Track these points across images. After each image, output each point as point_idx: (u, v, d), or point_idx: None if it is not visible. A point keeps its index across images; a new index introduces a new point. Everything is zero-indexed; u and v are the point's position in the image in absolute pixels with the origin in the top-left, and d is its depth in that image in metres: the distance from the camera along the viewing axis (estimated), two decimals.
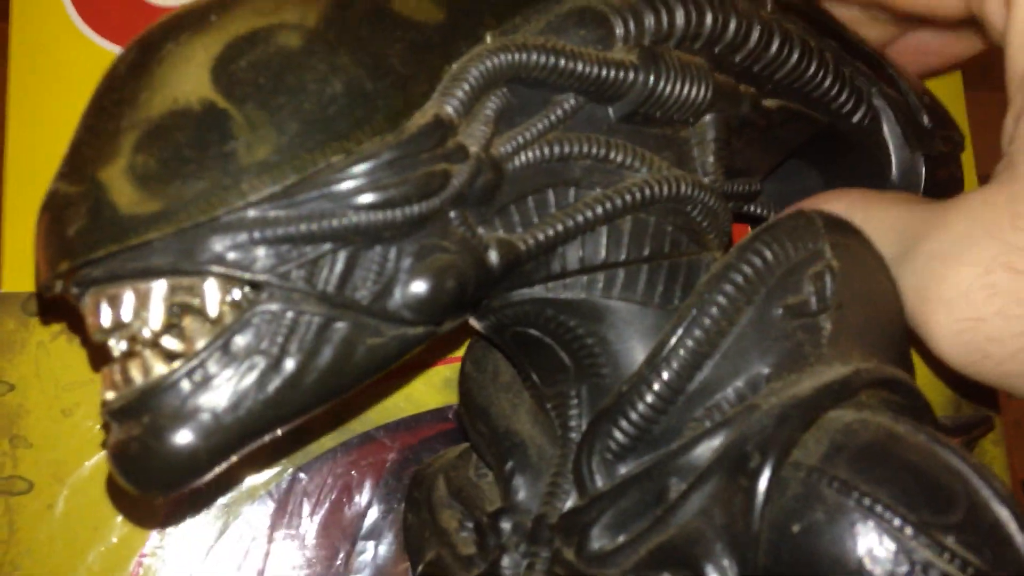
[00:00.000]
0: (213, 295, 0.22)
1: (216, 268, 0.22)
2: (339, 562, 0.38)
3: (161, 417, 0.22)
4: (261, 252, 0.22)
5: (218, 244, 0.22)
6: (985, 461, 0.41)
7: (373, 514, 0.39)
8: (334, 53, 0.23)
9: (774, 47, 0.30)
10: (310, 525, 0.38)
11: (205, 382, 0.22)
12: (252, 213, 0.22)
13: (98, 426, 0.37)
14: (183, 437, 0.22)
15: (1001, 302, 0.26)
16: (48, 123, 0.39)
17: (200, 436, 0.22)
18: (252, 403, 0.23)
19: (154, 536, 0.37)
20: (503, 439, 0.30)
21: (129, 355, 0.23)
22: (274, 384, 0.23)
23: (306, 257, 0.22)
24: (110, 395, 0.23)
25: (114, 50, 0.40)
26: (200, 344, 0.23)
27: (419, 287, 0.24)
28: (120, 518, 0.37)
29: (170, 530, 0.37)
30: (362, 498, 0.39)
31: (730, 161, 0.30)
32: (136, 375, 0.23)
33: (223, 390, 0.22)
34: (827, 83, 0.32)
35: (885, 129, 0.34)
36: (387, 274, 0.23)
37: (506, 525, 0.29)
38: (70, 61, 0.39)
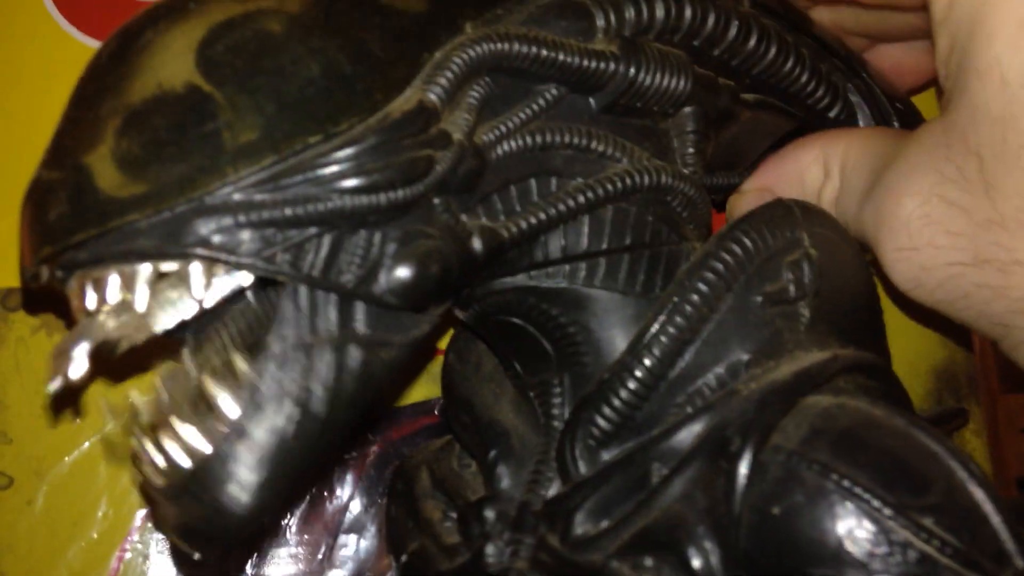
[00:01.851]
0: (198, 278, 0.22)
1: (201, 251, 0.22)
2: (321, 556, 0.38)
3: (218, 492, 0.23)
4: (246, 235, 0.22)
5: (203, 227, 0.22)
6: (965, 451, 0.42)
7: (355, 508, 0.39)
8: (312, 37, 0.23)
9: (752, 42, 0.30)
10: (292, 519, 0.38)
11: (248, 446, 0.23)
12: (237, 196, 0.22)
13: (78, 422, 0.37)
14: (243, 503, 0.23)
15: (932, 232, 0.26)
16: (25, 119, 0.38)
17: (258, 496, 0.23)
18: (295, 451, 0.23)
19: (134, 532, 0.37)
20: (486, 429, 0.30)
21: (159, 430, 0.24)
22: (310, 427, 0.23)
23: (291, 241, 0.23)
24: (155, 477, 0.24)
25: (93, 44, 0.40)
26: (228, 407, 0.23)
27: (403, 272, 0.24)
28: (101, 513, 0.37)
29: (151, 526, 0.37)
30: (344, 492, 0.39)
31: (709, 154, 0.31)
32: (176, 453, 0.23)
33: (266, 450, 0.23)
34: (804, 78, 0.32)
35: (860, 125, 0.34)
36: (372, 258, 0.24)
37: (490, 513, 0.29)
38: (49, 56, 0.39)
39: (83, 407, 0.37)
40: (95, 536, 0.37)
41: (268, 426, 0.23)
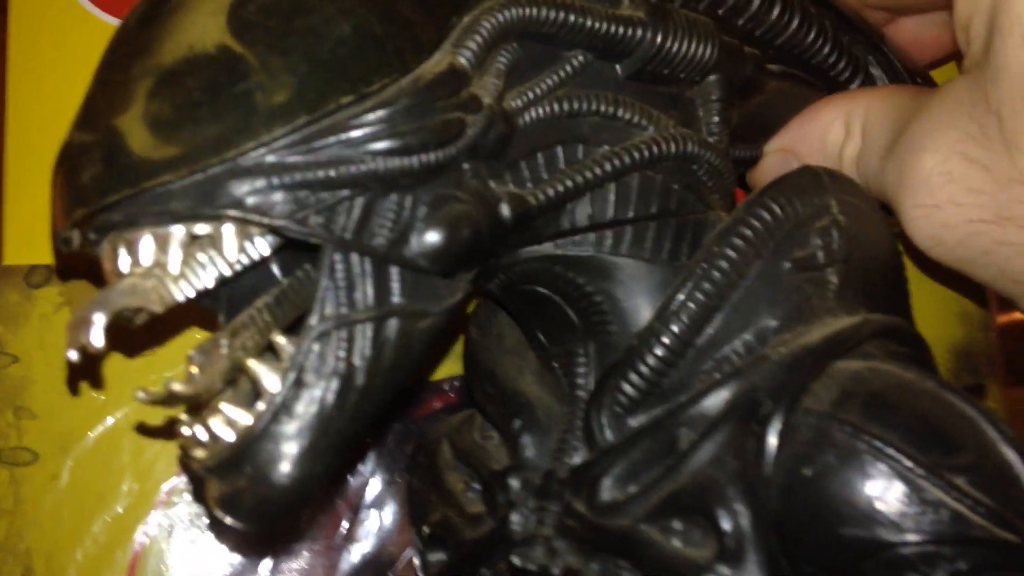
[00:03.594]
0: (231, 240, 0.23)
1: (235, 212, 0.22)
2: (343, 530, 0.38)
3: (263, 464, 0.23)
4: (279, 197, 0.22)
5: (237, 189, 0.22)
6: None
7: (376, 483, 0.39)
8: None
9: (775, 12, 0.30)
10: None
11: (291, 419, 0.23)
12: (270, 158, 0.22)
13: (102, 397, 0.37)
14: (287, 476, 0.23)
15: (953, 189, 0.26)
16: (48, 97, 0.39)
17: (302, 468, 0.23)
18: (338, 423, 0.23)
19: (159, 506, 0.37)
20: (510, 399, 0.30)
21: (204, 413, 0.24)
22: (351, 399, 0.23)
23: (324, 203, 0.23)
24: (200, 454, 0.24)
25: (114, 23, 0.40)
26: (272, 384, 0.23)
27: (434, 236, 0.24)
28: (125, 487, 0.37)
29: (175, 499, 0.37)
30: (365, 468, 0.39)
31: (734, 124, 0.31)
32: (221, 430, 0.23)
33: (310, 422, 0.23)
34: (826, 50, 0.32)
35: None
36: (403, 222, 0.24)
37: (515, 482, 0.29)
38: (70, 34, 0.39)
39: (104, 381, 0.37)
40: (120, 510, 0.37)
41: (310, 400, 0.23)
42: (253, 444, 0.23)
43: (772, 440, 0.24)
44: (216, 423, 0.23)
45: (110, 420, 0.37)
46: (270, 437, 0.23)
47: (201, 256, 0.23)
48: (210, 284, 0.23)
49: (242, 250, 0.23)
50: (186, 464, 0.24)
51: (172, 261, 0.22)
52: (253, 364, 0.23)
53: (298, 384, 0.23)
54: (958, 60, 0.29)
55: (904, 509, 0.22)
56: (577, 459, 0.28)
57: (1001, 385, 0.43)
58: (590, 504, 0.27)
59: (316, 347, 0.23)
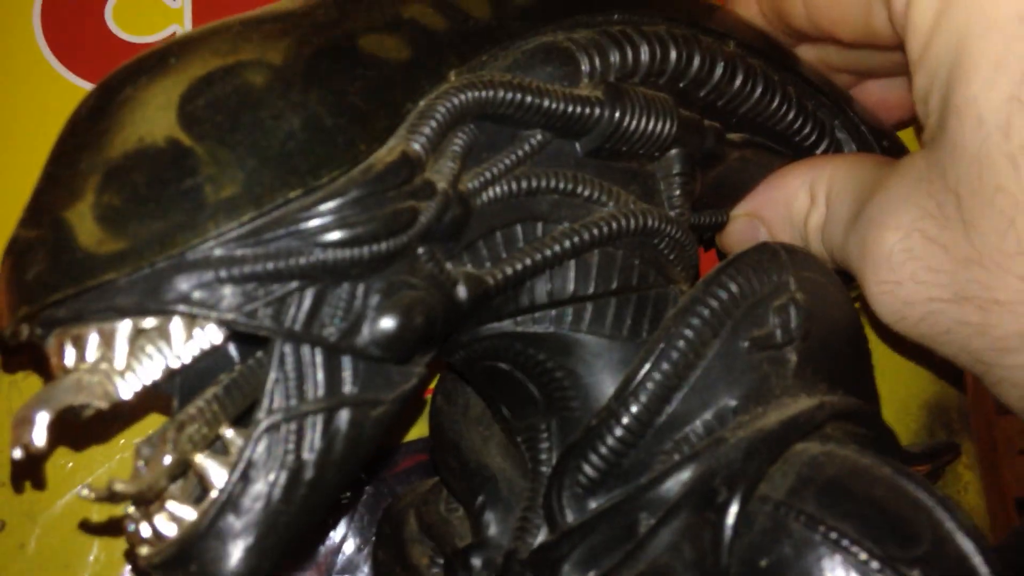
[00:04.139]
0: (179, 334, 0.22)
1: (182, 307, 0.22)
2: None
3: (208, 562, 0.22)
4: (227, 291, 0.22)
5: (183, 283, 0.22)
6: (959, 486, 0.42)
7: (348, 548, 0.39)
8: (292, 90, 0.23)
9: (738, 82, 0.30)
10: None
11: (238, 515, 0.23)
12: (218, 252, 0.22)
13: (70, 464, 0.37)
14: (233, 573, 0.22)
15: (914, 267, 0.26)
16: (18, 160, 0.38)
17: (248, 565, 0.23)
18: (286, 517, 0.23)
19: (127, 574, 0.37)
20: (474, 473, 0.30)
21: (150, 508, 0.24)
22: (300, 493, 0.23)
23: (273, 295, 0.22)
24: (145, 551, 0.23)
25: (85, 86, 0.40)
26: (219, 479, 0.23)
27: (387, 323, 0.24)
28: (92, 557, 0.37)
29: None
30: (337, 532, 0.39)
31: (697, 194, 0.31)
32: (165, 527, 0.23)
33: (256, 518, 0.23)
34: (790, 116, 0.32)
35: None
36: (355, 311, 0.23)
37: (476, 561, 0.29)
38: (41, 98, 0.39)
39: (71, 448, 0.37)
40: None
41: (256, 495, 0.23)
42: (198, 541, 0.22)
43: (728, 529, 0.24)
44: (161, 520, 0.23)
45: (78, 489, 0.37)
46: (215, 534, 0.22)
47: (149, 349, 0.23)
48: (157, 377, 0.23)
49: (191, 339, 0.23)
50: (133, 559, 0.24)
51: (118, 356, 0.22)
52: (200, 459, 0.23)
53: (244, 479, 0.23)
54: (918, 123, 0.29)
55: None
56: (539, 539, 0.28)
57: (977, 434, 0.43)
58: None
59: (264, 441, 0.23)
